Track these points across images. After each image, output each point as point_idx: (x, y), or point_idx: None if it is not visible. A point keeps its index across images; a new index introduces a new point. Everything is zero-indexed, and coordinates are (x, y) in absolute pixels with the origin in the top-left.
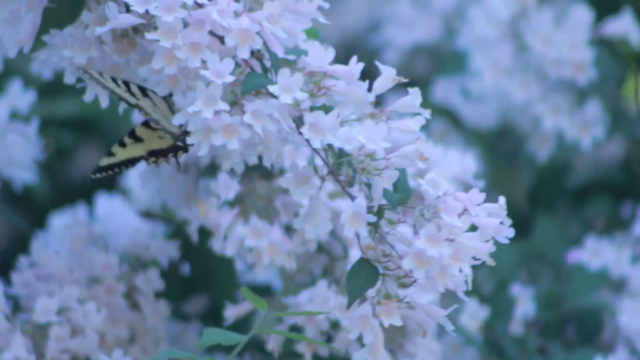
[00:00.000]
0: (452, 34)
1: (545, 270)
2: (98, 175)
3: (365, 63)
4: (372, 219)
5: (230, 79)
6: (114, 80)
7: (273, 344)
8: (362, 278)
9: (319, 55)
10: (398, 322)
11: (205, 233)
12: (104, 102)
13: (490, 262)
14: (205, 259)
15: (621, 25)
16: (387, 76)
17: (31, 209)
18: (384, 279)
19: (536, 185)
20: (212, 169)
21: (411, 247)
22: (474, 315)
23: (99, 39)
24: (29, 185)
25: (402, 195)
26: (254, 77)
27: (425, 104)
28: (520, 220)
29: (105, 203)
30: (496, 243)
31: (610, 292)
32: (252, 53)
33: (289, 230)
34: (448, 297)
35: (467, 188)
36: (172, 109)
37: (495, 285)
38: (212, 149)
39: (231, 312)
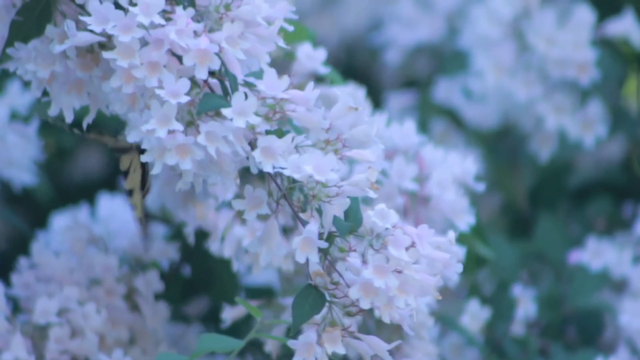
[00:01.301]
0: (455, 33)
1: (546, 271)
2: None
3: (366, 63)
4: (323, 244)
5: (185, 99)
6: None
7: (271, 346)
8: (309, 304)
9: (273, 83)
10: (341, 351)
11: (204, 235)
12: (69, 117)
13: (437, 296)
14: (206, 261)
15: (622, 25)
16: (344, 104)
17: (31, 209)
18: (331, 306)
19: (537, 185)
20: None
21: (359, 276)
22: (475, 316)
23: (63, 54)
24: (29, 186)
25: (352, 223)
26: (211, 98)
27: (426, 103)
28: (521, 221)
29: (106, 204)
30: (496, 244)
31: (611, 293)
32: (213, 73)
33: (285, 232)
34: (448, 298)
35: (467, 190)
36: None
37: (496, 286)
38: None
39: (228, 314)
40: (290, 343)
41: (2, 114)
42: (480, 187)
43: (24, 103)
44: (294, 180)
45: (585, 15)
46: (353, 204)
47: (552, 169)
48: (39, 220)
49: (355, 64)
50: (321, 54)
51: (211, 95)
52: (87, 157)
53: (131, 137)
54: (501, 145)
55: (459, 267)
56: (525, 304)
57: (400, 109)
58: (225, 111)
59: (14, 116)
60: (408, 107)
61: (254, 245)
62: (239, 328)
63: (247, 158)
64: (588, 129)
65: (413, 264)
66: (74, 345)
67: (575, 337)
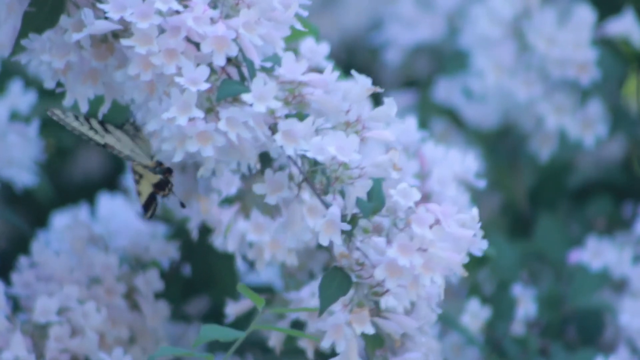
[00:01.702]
0: (455, 33)
1: (546, 271)
2: (150, 213)
3: (366, 62)
4: (346, 227)
5: (205, 86)
6: (77, 117)
7: (274, 341)
8: (335, 286)
9: (292, 66)
10: (370, 330)
11: (205, 233)
12: (84, 107)
13: (463, 273)
14: (206, 260)
15: (622, 25)
16: (363, 86)
17: (32, 209)
18: (357, 287)
19: (537, 185)
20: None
21: (384, 256)
22: (476, 315)
23: (77, 44)
24: (29, 186)
25: (375, 204)
26: (229, 84)
27: (426, 103)
28: (521, 220)
29: (106, 203)
30: (496, 244)
31: (612, 293)
32: (230, 60)
33: None
34: (448, 297)
35: (468, 188)
36: (132, 137)
37: (497, 285)
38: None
39: (232, 309)
40: (320, 325)
41: (2, 113)
42: (481, 184)
43: (25, 103)
44: (316, 163)
45: (586, 15)
46: (375, 185)
47: (552, 169)
48: (39, 220)
49: (356, 64)
50: (324, 48)
51: (230, 81)
52: (87, 157)
53: (151, 126)
54: (501, 145)
55: (484, 244)
56: (526, 304)
57: (401, 108)
58: (245, 96)
59: (14, 116)
60: (408, 106)
61: (277, 231)
62: (240, 327)
63: (267, 143)
64: (588, 128)
65: (438, 243)
66: (74, 344)
67: (576, 336)
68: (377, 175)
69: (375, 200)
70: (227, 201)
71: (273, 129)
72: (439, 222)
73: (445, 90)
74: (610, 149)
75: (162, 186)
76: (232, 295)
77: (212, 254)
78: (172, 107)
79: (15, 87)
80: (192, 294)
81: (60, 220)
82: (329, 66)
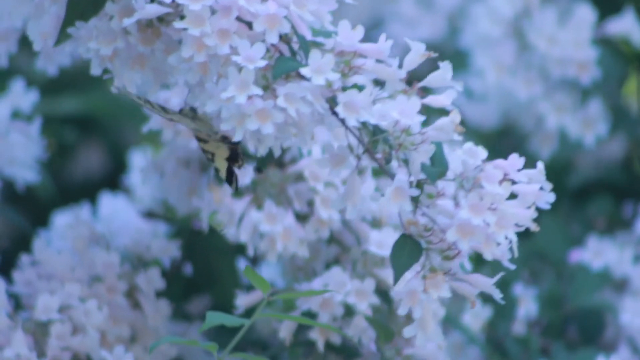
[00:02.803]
0: (455, 32)
1: (547, 270)
2: (234, 186)
3: None
4: (416, 192)
5: (262, 63)
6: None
7: (285, 332)
8: (406, 254)
9: (349, 34)
10: (447, 294)
11: (207, 232)
12: (133, 89)
13: (535, 227)
14: (208, 259)
15: (623, 24)
16: (417, 51)
17: (33, 207)
18: (427, 253)
19: None
20: None
21: (453, 219)
22: (477, 314)
23: (123, 30)
24: (31, 184)
25: (439, 168)
26: (285, 60)
27: None
28: None
29: (108, 202)
30: None
31: (612, 292)
32: (280, 37)
33: (299, 218)
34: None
35: None
36: (192, 119)
37: (498, 285)
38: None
39: (242, 301)
40: (395, 293)
41: (4, 112)
42: None
43: (26, 102)
44: (375, 133)
45: (586, 15)
46: (438, 149)
47: (552, 169)
48: (40, 219)
49: None
50: (359, 32)
51: (285, 58)
52: (88, 156)
53: (209, 107)
54: (502, 145)
55: (551, 197)
56: (527, 303)
57: None
58: (303, 70)
59: (16, 115)
60: None
61: (338, 203)
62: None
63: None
64: (588, 128)
65: (506, 200)
66: (75, 342)
67: (577, 336)
68: (440, 138)
69: (438, 164)
70: (235, 194)
71: (329, 102)
72: (507, 178)
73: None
74: (611, 149)
75: (235, 158)
76: (233, 294)
77: (214, 253)
78: (230, 86)
79: (17, 85)
80: (193, 292)
81: (61, 219)
82: (382, 35)
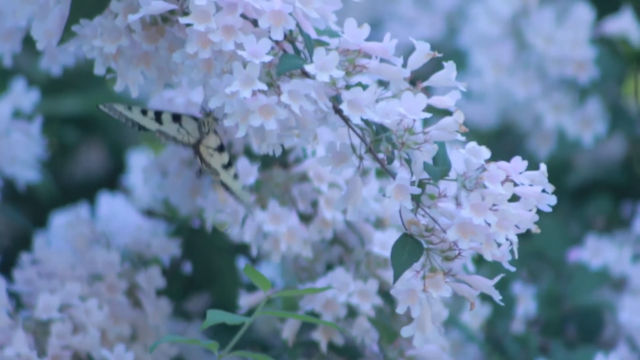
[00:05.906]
0: (454, 32)
1: (546, 269)
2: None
3: None
4: (417, 190)
5: (267, 58)
6: (130, 108)
7: (288, 332)
8: (406, 253)
9: (355, 32)
10: (447, 294)
11: (206, 231)
12: (135, 92)
13: (535, 229)
14: (207, 257)
15: (621, 24)
16: (421, 51)
17: (34, 207)
18: (428, 253)
19: None
20: None
21: (454, 219)
22: (476, 313)
23: (128, 28)
24: (31, 184)
25: (442, 168)
26: (289, 57)
27: None
28: None
29: (107, 202)
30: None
31: (611, 291)
32: (284, 36)
33: (303, 218)
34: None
35: None
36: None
37: (497, 283)
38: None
39: (245, 301)
40: (394, 292)
41: (5, 111)
42: None
43: (27, 101)
44: (378, 132)
45: (584, 14)
46: (440, 149)
47: (551, 168)
48: (40, 219)
49: None
50: (366, 30)
51: (289, 55)
52: (88, 155)
53: (212, 103)
54: (500, 144)
55: (552, 200)
56: (526, 302)
57: None
58: (308, 67)
59: (17, 114)
60: None
61: (339, 205)
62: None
63: (327, 115)
64: (587, 127)
65: (508, 201)
66: (76, 341)
67: (575, 334)
68: (443, 138)
69: (441, 164)
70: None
71: (332, 101)
72: (509, 179)
73: (444, 90)
74: (610, 148)
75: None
76: (233, 293)
77: (214, 252)
78: (235, 81)
79: (18, 85)
80: (193, 291)
81: (60, 220)
82: (387, 34)
